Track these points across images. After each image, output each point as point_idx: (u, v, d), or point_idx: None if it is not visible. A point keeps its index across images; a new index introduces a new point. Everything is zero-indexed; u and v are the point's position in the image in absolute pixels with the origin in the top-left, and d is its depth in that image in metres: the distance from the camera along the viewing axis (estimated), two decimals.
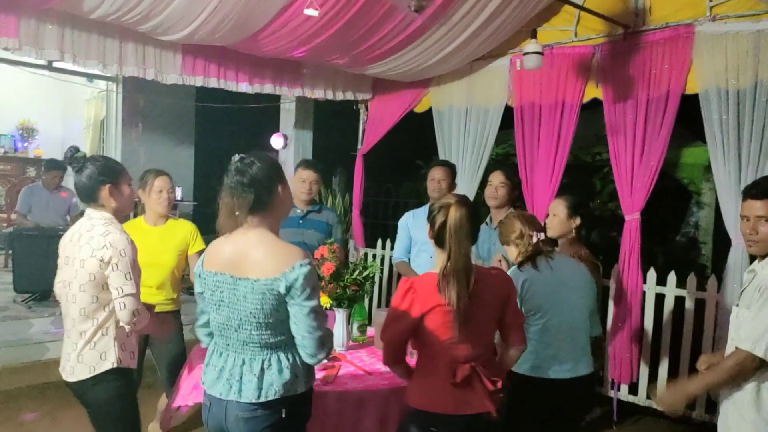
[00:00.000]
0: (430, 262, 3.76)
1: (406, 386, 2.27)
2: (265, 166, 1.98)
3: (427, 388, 2.14)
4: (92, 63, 4.40)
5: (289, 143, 7.05)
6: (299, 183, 3.89)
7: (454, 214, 2.07)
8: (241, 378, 1.94)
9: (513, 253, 2.67)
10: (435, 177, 3.88)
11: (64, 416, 3.92)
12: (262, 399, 1.92)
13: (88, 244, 2.27)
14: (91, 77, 7.79)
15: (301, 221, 3.85)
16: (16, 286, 5.55)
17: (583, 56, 4.62)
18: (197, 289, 2.08)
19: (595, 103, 4.68)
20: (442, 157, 5.69)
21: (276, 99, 6.61)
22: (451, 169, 3.96)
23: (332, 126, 7.65)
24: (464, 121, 5.52)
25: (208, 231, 6.66)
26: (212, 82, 5.12)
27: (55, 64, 6.16)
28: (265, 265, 1.90)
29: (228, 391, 1.95)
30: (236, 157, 1.99)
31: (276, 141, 7.08)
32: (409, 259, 4.02)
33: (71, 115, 10.00)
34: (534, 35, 4.23)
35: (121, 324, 2.32)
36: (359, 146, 6.51)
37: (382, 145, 6.34)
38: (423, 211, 3.90)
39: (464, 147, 5.52)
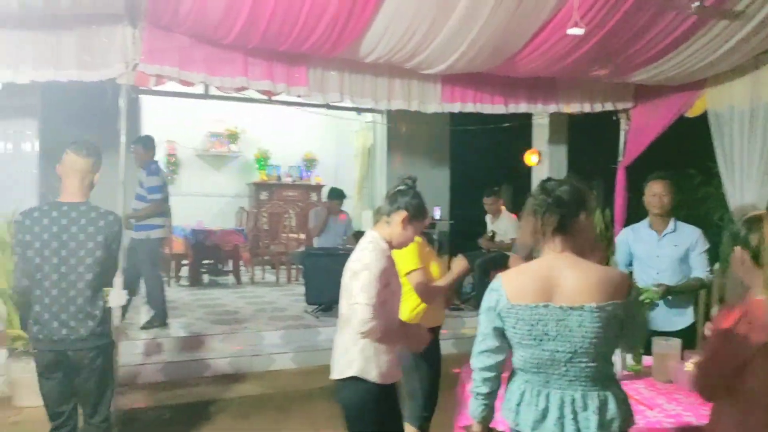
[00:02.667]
0: (655, 278, 3.49)
1: (702, 427, 2.04)
2: (572, 190, 1.92)
3: None
4: (366, 101, 4.95)
5: (543, 159, 6.95)
6: None
7: None
8: (575, 417, 1.82)
9: None
10: (656, 192, 3.60)
11: None
12: None
13: (350, 259, 2.54)
14: (359, 110, 8.70)
15: None
16: (307, 298, 6.43)
17: None
18: (492, 324, 1.92)
19: None
20: (721, 164, 5.14)
21: (528, 116, 6.59)
22: (671, 184, 3.64)
23: (588, 139, 7.34)
24: (749, 123, 4.86)
25: (466, 248, 6.80)
26: (469, 107, 5.33)
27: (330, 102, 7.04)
28: (604, 290, 1.81)
29: None
30: (545, 178, 2.02)
31: (530, 158, 7.04)
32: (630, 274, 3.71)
33: (343, 145, 11.28)
34: None
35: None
36: (620, 158, 6.13)
37: (644, 155, 5.89)
38: (642, 226, 3.70)
39: (750, 151, 4.84)
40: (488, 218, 7.04)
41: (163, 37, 4.09)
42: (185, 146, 10.70)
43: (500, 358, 1.95)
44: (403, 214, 2.56)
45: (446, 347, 6.07)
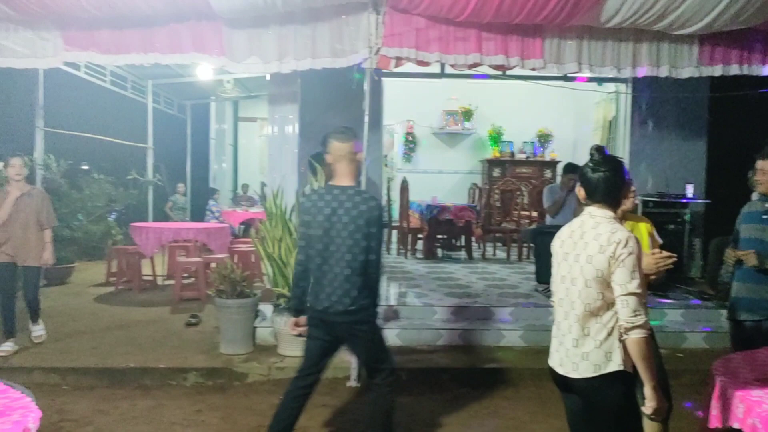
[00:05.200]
0: None
1: None
2: None
3: None
4: (607, 69, 4.61)
5: None
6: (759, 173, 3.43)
7: None
8: None
9: None
10: None
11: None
12: None
13: (596, 240, 2.30)
14: (601, 81, 8.14)
15: (764, 216, 3.30)
16: (538, 276, 6.30)
17: None
18: None
19: None
20: None
21: None
22: None
23: None
24: None
25: (724, 232, 6.02)
26: (733, 69, 4.66)
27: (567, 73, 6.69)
28: None
29: None
30: None
31: None
32: None
33: (581, 118, 10.72)
34: None
35: (619, 323, 2.26)
36: None
37: None
38: None
39: None
40: (754, 196, 6.08)
41: (402, 20, 4.31)
42: (422, 125, 11.22)
43: None
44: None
45: (696, 341, 5.50)
